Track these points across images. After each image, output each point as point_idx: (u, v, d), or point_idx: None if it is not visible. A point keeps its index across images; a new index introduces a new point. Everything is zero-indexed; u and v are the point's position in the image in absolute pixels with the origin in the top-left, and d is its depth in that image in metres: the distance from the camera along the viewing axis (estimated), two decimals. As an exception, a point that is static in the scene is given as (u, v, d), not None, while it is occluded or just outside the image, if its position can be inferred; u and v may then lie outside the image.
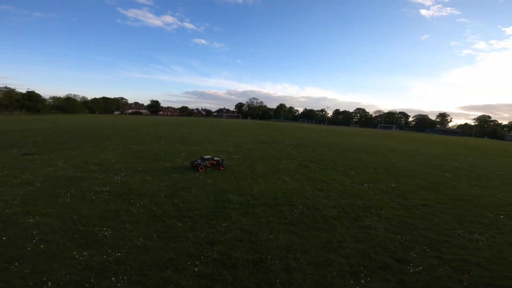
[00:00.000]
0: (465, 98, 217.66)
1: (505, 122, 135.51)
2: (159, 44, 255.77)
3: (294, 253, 4.43)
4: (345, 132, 46.83)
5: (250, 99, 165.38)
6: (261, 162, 12.19)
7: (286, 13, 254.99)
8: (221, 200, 6.81)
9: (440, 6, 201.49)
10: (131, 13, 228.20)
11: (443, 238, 5.23)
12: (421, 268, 4.09)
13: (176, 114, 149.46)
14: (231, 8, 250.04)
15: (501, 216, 6.76)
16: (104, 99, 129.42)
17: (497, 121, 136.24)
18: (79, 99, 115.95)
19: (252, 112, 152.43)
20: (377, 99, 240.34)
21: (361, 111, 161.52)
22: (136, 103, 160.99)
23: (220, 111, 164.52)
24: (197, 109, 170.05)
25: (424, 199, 8.01)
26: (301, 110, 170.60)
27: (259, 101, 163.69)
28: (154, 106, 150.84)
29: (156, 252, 4.26)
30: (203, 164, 10.14)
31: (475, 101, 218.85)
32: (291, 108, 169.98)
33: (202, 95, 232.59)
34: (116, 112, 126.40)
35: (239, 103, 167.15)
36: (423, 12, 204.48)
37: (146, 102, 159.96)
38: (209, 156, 10.68)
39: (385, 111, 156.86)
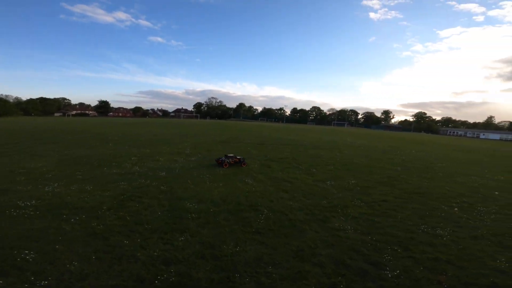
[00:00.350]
0: (404, 96, 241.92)
1: (438, 118, 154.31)
2: (109, 41, 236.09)
3: (264, 267, 3.91)
4: (303, 130, 48.23)
5: (209, 99, 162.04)
6: (222, 163, 11.50)
7: (246, 13, 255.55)
8: (177, 209, 6.01)
9: (386, 9, 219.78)
10: (78, 8, 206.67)
11: (410, 235, 5.19)
12: (398, 271, 3.88)
13: (128, 115, 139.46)
14: (191, 6, 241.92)
15: (456, 209, 7.11)
16: (42, 100, 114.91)
17: (431, 117, 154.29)
18: (12, 100, 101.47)
19: (211, 111, 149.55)
20: (331, 97, 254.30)
21: (316, 109, 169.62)
22: (81, 104, 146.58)
23: (177, 111, 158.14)
24: (152, 110, 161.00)
25: (383, 194, 8.16)
26: (260, 109, 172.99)
27: (218, 101, 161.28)
28: (103, 106, 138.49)
29: (96, 278, 3.45)
30: (227, 161, 10.99)
31: (412, 99, 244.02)
32: (250, 107, 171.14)
33: (157, 94, 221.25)
34: (56, 114, 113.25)
35: (198, 102, 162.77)
36: (372, 15, 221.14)
37: (93, 102, 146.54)
38: (232, 155, 11.71)
39: (338, 109, 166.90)
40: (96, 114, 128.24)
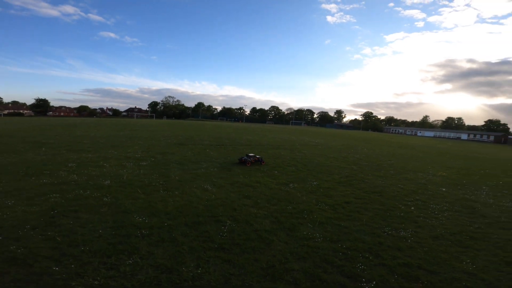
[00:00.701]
0: (354, 97, 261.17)
1: (382, 117, 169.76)
2: (53, 36, 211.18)
3: (231, 292, 3.34)
4: (262, 129, 48.51)
5: (165, 98, 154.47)
6: (177, 168, 10.52)
7: (206, 12, 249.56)
8: (124, 226, 5.10)
9: (342, 13, 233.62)
10: (18, 1, 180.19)
11: (377, 239, 5.08)
12: (374, 283, 3.63)
13: (72, 114, 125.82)
14: (149, 2, 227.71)
15: (412, 208, 7.35)
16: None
17: (377, 116, 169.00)
18: None
19: (168, 111, 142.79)
20: (288, 97, 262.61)
21: (275, 109, 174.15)
22: (14, 103, 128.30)
23: (130, 110, 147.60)
24: (101, 109, 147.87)
25: (345, 195, 8.16)
26: (219, 108, 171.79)
27: (175, 100, 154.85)
28: (41, 105, 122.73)
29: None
30: (249, 160, 11.98)
31: (361, 100, 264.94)
32: (209, 106, 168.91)
33: (107, 93, 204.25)
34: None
35: (153, 101, 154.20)
36: (329, 18, 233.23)
37: (30, 101, 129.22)
38: (252, 154, 12.83)
39: (295, 109, 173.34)
40: (32, 113, 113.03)
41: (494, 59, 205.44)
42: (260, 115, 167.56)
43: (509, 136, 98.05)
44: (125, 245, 4.42)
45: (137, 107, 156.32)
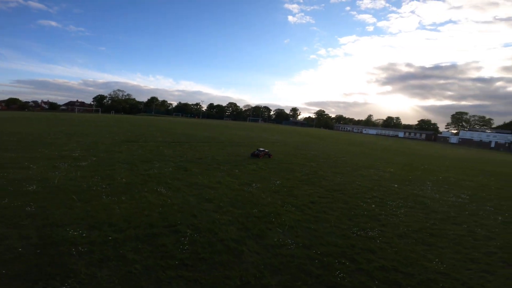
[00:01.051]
0: (309, 95, 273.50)
1: (333, 116, 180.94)
2: None
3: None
4: (220, 126, 47.45)
5: (114, 91, 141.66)
6: (125, 168, 9.22)
7: (164, 5, 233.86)
8: (53, 242, 4.07)
9: (303, 14, 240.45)
10: None
11: (349, 242, 4.90)
12: (357, 294, 3.34)
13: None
14: None
15: (373, 205, 7.47)
16: None
17: (328, 114, 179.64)
18: None
19: (117, 105, 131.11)
20: (247, 94, 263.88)
21: (233, 105, 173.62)
22: None
23: (71, 104, 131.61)
24: (35, 102, 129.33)
25: (309, 194, 8.00)
26: (175, 103, 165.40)
27: (125, 94, 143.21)
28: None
29: None
30: (261, 153, 14.00)
31: (315, 98, 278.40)
32: (164, 101, 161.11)
33: (43, 84, 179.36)
34: None
35: (99, 95, 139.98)
36: (290, 18, 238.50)
37: None
38: (262, 149, 14.86)
39: (253, 105, 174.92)
40: None
41: (428, 64, 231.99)
42: (217, 111, 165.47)
43: (438, 135, 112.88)
44: (56, 267, 3.48)
45: (79, 100, 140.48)
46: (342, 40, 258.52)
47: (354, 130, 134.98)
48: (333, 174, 11.51)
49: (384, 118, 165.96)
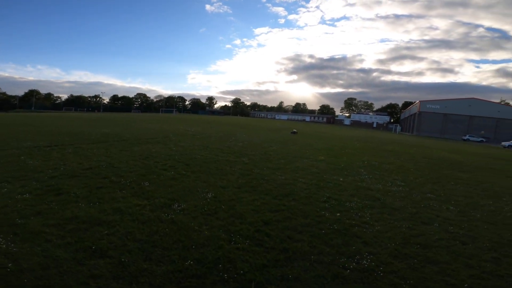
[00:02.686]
0: (224, 84, 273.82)
1: (248, 103, 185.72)
2: None
3: None
4: (126, 119, 40.32)
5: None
6: None
7: None
8: None
9: (220, 3, 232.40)
10: None
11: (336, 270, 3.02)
12: None
13: None
14: None
15: (337, 214, 5.93)
16: None
17: (244, 102, 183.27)
18: None
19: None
20: (159, 85, 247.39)
21: (142, 96, 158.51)
22: None
23: None
24: None
25: (256, 210, 5.90)
26: (65, 96, 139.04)
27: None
28: None
29: None
30: None
31: (230, 87, 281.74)
32: (50, 95, 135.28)
33: None
34: None
35: None
36: (208, 7, 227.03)
37: None
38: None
39: (166, 96, 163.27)
40: None
41: (325, 56, 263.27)
42: (124, 104, 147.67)
43: (336, 118, 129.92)
44: None
45: None
46: (257, 31, 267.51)
47: (268, 116, 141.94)
48: (270, 171, 9.76)
49: (293, 104, 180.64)
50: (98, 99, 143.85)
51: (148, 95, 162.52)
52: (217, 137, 19.90)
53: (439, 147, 29.55)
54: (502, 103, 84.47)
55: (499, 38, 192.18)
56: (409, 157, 17.46)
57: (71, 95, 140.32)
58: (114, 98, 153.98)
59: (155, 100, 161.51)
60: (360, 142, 26.53)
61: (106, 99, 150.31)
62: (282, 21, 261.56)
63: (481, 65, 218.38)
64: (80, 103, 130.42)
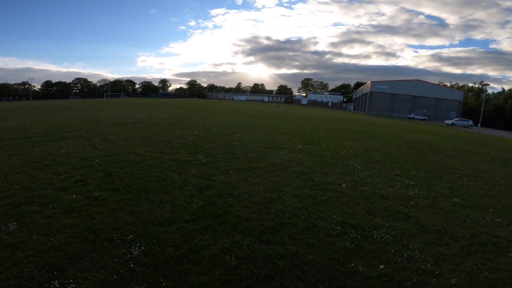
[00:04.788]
0: (179, 67, 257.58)
1: (205, 85, 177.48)
2: None
3: None
4: (53, 107, 33.12)
5: None
6: None
7: None
8: None
9: None
10: None
11: None
12: None
13: None
14: None
15: (350, 244, 3.23)
16: None
17: (200, 84, 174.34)
18: None
19: None
20: (104, 68, 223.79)
21: (82, 81, 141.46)
22: None
23: None
24: None
25: (221, 267, 2.96)
26: None
27: None
28: None
29: None
30: None
31: (185, 70, 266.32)
32: None
33: None
34: None
35: None
36: None
37: None
38: None
39: (111, 80, 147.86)
40: None
41: (282, 38, 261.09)
42: (59, 90, 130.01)
43: (293, 98, 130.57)
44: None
45: None
46: (213, 12, 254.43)
47: (226, 97, 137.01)
48: (240, 177, 6.73)
49: (251, 85, 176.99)
50: (26, 86, 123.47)
51: (89, 79, 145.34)
52: (166, 125, 16.06)
53: (400, 127, 29.54)
54: (441, 85, 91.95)
55: (436, 26, 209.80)
56: (385, 140, 15.93)
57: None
58: (48, 84, 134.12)
59: (98, 84, 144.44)
60: (326, 122, 24.84)
61: (37, 86, 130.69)
62: (239, 2, 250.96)
63: (419, 50, 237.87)
64: (5, 92, 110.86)
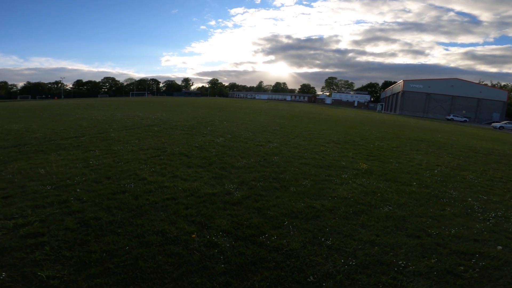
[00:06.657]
0: (200, 66, 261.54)
1: (226, 84, 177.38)
2: None
3: None
4: (73, 106, 32.23)
5: None
6: None
7: None
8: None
9: None
10: None
11: None
12: None
13: None
14: None
15: None
16: None
17: (222, 83, 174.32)
18: None
19: None
20: (130, 68, 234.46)
21: (110, 80, 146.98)
22: None
23: None
24: None
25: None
26: (22, 84, 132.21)
27: None
28: None
29: None
30: None
31: (207, 68, 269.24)
32: (4, 83, 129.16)
33: None
34: None
35: None
36: None
37: None
38: None
39: (137, 79, 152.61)
40: None
41: (302, 37, 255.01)
42: (89, 88, 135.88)
43: (317, 97, 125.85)
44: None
45: None
46: (232, 11, 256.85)
47: (248, 96, 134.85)
48: (301, 228, 3.90)
49: (273, 84, 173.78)
50: (59, 85, 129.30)
51: (117, 78, 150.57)
52: (185, 129, 13.54)
53: (453, 131, 25.26)
54: (482, 84, 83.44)
55: (468, 23, 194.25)
56: (457, 151, 12.39)
57: (28, 82, 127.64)
58: (79, 83, 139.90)
59: (125, 83, 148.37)
60: (365, 126, 21.35)
61: (69, 85, 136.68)
62: (258, 1, 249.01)
63: (450, 48, 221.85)
64: (39, 90, 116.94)
